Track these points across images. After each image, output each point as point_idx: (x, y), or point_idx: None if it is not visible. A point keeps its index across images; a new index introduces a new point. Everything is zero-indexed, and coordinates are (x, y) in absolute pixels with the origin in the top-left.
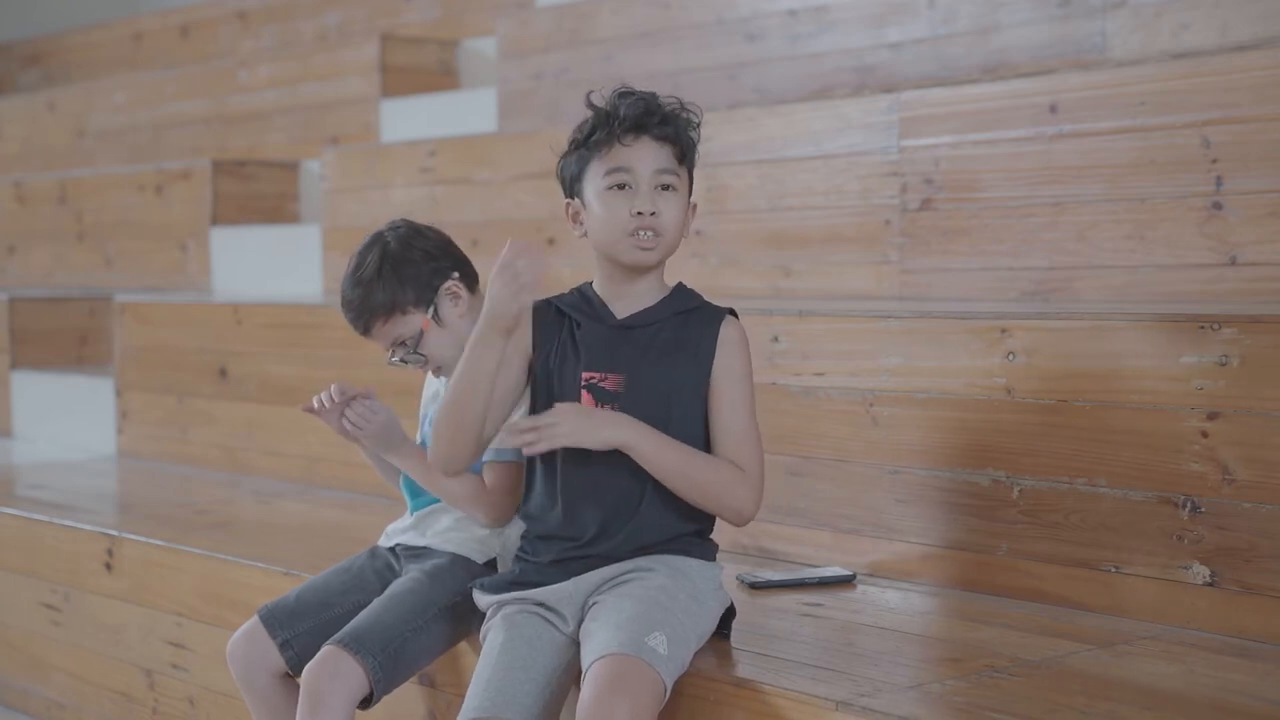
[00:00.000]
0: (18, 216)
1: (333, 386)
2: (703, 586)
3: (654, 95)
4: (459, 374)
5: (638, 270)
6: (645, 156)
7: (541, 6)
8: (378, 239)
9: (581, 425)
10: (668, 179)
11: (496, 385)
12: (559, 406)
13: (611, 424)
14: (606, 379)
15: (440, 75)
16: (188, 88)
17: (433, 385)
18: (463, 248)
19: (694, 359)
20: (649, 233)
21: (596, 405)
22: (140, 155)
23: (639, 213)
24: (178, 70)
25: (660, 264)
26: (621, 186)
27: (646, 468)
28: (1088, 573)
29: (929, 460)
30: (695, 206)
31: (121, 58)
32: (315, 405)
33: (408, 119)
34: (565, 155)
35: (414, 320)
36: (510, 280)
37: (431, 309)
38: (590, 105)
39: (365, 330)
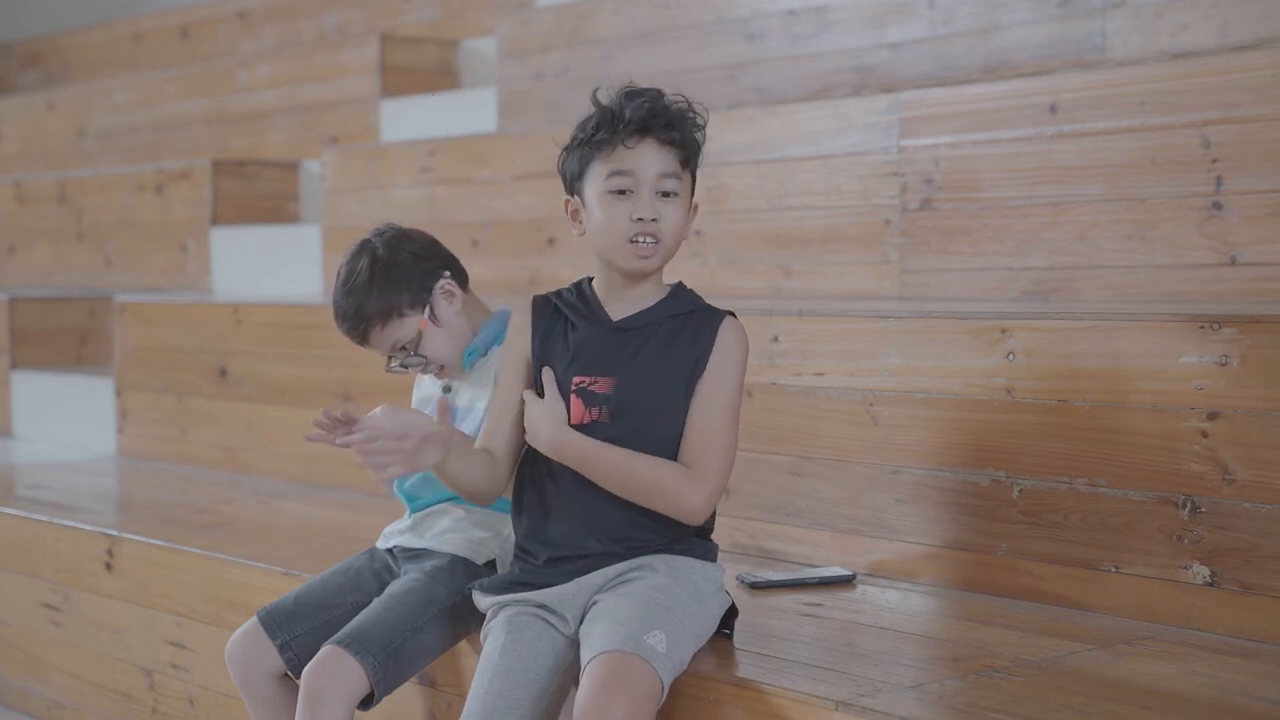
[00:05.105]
0: (18, 216)
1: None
2: (704, 587)
3: (659, 95)
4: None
5: (636, 276)
6: (648, 161)
7: (541, 6)
8: (365, 246)
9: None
10: (670, 184)
11: (508, 405)
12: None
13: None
14: (596, 382)
15: (440, 75)
16: (188, 88)
17: (424, 388)
18: (463, 248)
19: (689, 361)
20: (649, 240)
21: (585, 409)
22: (140, 155)
23: (639, 219)
24: (178, 70)
25: (659, 269)
26: (622, 191)
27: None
28: (1088, 573)
29: (929, 460)
30: (696, 208)
31: (121, 58)
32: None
33: (408, 119)
34: (567, 150)
35: (411, 323)
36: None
37: (427, 309)
38: (596, 103)
39: (363, 339)
